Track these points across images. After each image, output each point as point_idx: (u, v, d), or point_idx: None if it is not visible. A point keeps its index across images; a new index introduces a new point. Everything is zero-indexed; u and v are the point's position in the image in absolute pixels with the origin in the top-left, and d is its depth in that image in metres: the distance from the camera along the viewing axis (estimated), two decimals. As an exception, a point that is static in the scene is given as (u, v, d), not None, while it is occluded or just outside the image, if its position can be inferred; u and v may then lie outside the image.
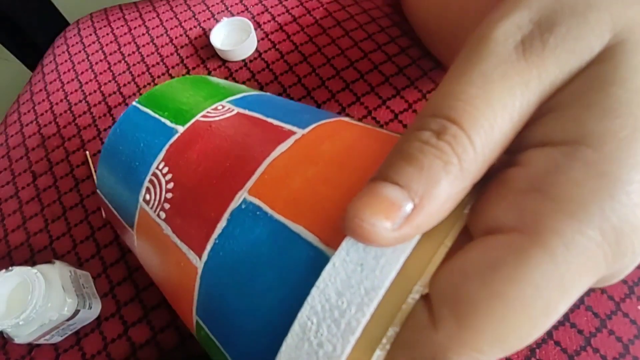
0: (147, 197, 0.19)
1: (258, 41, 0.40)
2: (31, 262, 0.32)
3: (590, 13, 0.11)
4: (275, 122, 0.18)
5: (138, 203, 0.19)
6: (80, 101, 0.40)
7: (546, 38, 0.11)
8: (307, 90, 0.37)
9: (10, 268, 0.26)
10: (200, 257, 0.15)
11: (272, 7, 0.43)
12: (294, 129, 0.17)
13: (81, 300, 0.27)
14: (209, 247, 0.15)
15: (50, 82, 0.42)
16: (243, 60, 0.40)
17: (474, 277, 0.10)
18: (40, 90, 0.42)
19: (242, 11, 0.43)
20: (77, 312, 0.27)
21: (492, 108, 0.10)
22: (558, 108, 0.11)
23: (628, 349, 0.24)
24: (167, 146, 0.19)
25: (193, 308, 0.16)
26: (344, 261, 0.11)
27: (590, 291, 0.26)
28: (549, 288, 0.09)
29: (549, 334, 0.25)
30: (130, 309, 0.29)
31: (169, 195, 0.18)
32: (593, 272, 0.10)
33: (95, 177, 0.35)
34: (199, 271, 0.15)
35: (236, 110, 0.20)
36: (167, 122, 0.20)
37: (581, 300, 0.26)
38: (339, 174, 0.14)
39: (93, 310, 0.29)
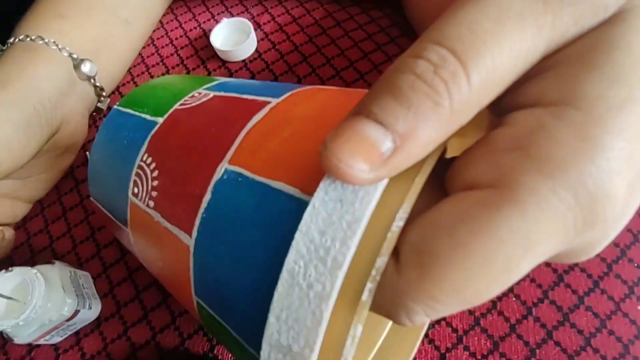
0: (135, 190, 0.19)
1: (258, 41, 0.40)
2: (31, 262, 0.32)
3: None
4: (250, 97, 0.18)
5: (128, 198, 0.19)
6: (80, 102, 0.40)
7: None
8: (307, 91, 0.37)
9: (10, 268, 0.26)
10: (190, 235, 0.15)
11: (272, 7, 0.43)
12: (269, 99, 0.17)
13: (81, 301, 0.27)
14: (197, 222, 0.15)
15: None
16: (243, 61, 0.40)
17: (441, 228, 0.10)
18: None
19: (242, 12, 0.43)
20: (77, 312, 0.27)
21: (500, 47, 0.10)
22: (557, 66, 0.10)
23: (628, 349, 0.24)
24: (149, 138, 0.19)
25: (192, 289, 0.16)
26: (323, 200, 0.11)
27: (591, 291, 0.26)
28: (514, 243, 0.09)
29: (549, 334, 0.25)
30: (130, 309, 0.29)
31: (155, 183, 0.18)
32: (561, 234, 0.09)
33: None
34: (191, 249, 0.15)
35: (212, 94, 0.20)
36: (147, 117, 0.21)
37: (581, 300, 0.26)
38: (315, 130, 0.14)
39: (93, 310, 0.29)
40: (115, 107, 0.23)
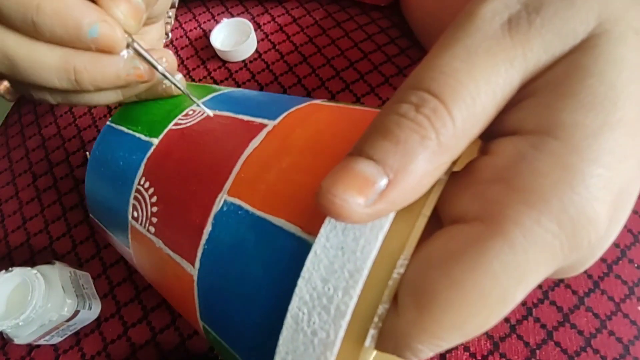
0: (135, 214, 0.19)
1: (258, 42, 0.40)
2: (31, 262, 0.32)
3: None
4: (246, 118, 0.18)
5: (128, 221, 0.19)
6: (80, 102, 0.40)
7: (533, 18, 0.11)
8: (307, 91, 0.37)
9: (10, 269, 0.26)
10: (193, 265, 0.15)
11: (272, 8, 0.43)
12: (265, 121, 0.17)
13: (81, 301, 0.27)
14: (199, 254, 0.15)
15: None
16: (243, 61, 0.40)
17: (435, 266, 0.10)
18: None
19: (242, 12, 0.43)
20: (76, 312, 0.27)
21: (475, 82, 0.10)
22: (535, 94, 0.11)
23: (628, 349, 0.24)
24: (145, 160, 0.19)
25: (197, 314, 0.16)
26: (324, 247, 0.11)
27: (591, 292, 0.26)
28: (507, 277, 0.09)
29: (549, 334, 0.25)
30: (130, 309, 0.29)
31: (155, 209, 0.18)
32: (550, 261, 0.10)
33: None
34: (195, 278, 0.15)
35: (206, 112, 0.20)
36: (142, 137, 0.20)
37: (581, 301, 0.26)
38: (313, 161, 0.14)
39: (93, 310, 0.29)
40: (108, 123, 0.23)
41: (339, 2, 0.43)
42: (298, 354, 0.11)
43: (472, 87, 0.10)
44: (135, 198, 0.19)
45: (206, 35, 0.42)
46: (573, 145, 0.10)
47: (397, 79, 0.36)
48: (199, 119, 0.19)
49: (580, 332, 0.25)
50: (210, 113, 0.19)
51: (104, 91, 0.20)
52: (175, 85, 0.20)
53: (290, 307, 0.11)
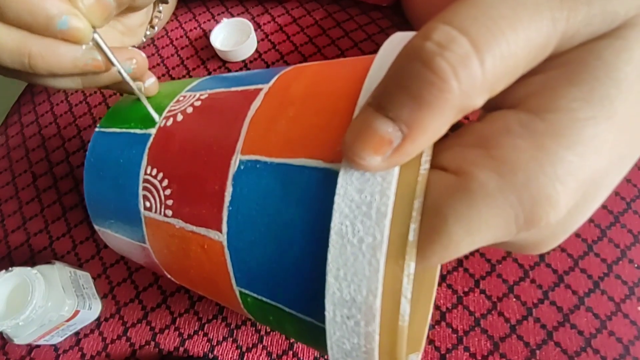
0: (147, 204, 0.19)
1: (258, 42, 0.40)
2: (31, 262, 0.32)
3: None
4: (240, 88, 0.18)
5: (140, 214, 0.19)
6: (80, 102, 0.40)
7: None
8: (307, 91, 0.37)
9: (10, 268, 0.26)
10: (220, 230, 0.16)
11: (272, 8, 0.43)
12: (259, 86, 0.17)
13: (81, 301, 0.27)
14: (224, 217, 0.15)
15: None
16: (243, 61, 0.40)
17: None
18: (41, 91, 0.42)
19: (242, 12, 0.43)
20: (77, 312, 0.27)
21: (516, 34, 0.10)
22: (546, 71, 0.11)
23: (628, 350, 0.24)
24: (146, 151, 0.19)
25: (232, 282, 0.16)
26: None
27: (591, 292, 0.26)
28: (457, 226, 0.10)
29: (549, 334, 0.25)
30: (130, 309, 0.29)
31: (168, 191, 0.18)
32: (501, 228, 0.10)
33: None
34: (224, 243, 0.16)
35: (197, 94, 0.20)
36: (137, 131, 0.20)
37: (581, 301, 0.26)
38: (317, 103, 0.15)
39: (93, 310, 0.29)
40: (97, 129, 0.22)
41: (339, 2, 0.43)
42: (349, 265, 0.11)
43: (512, 38, 0.09)
44: (145, 188, 0.19)
45: (206, 35, 0.42)
46: (555, 130, 0.10)
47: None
48: (192, 101, 0.19)
49: (580, 332, 0.25)
50: (156, 117, 0.20)
51: (62, 77, 0.20)
52: (130, 85, 0.20)
53: (332, 224, 0.12)
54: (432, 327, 0.26)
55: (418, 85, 0.10)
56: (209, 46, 0.40)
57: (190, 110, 0.19)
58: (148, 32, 0.37)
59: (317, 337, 0.14)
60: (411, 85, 0.10)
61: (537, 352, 0.25)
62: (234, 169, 0.15)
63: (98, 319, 0.29)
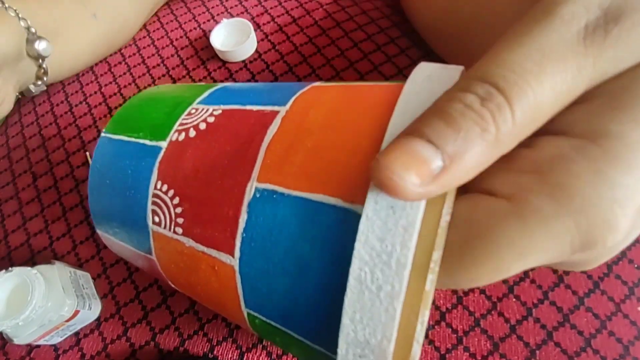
0: (157, 219, 0.18)
1: (258, 42, 0.40)
2: (31, 262, 0.32)
3: None
4: (255, 108, 0.18)
5: (149, 228, 0.19)
6: (80, 102, 0.40)
7: (610, 28, 0.11)
8: (307, 91, 0.37)
9: (10, 268, 0.26)
10: (233, 255, 0.16)
11: (271, 8, 0.43)
12: (275, 108, 0.17)
13: (81, 301, 0.27)
14: (238, 243, 0.15)
15: (52, 84, 0.42)
16: (243, 61, 0.40)
17: (454, 225, 0.11)
18: (42, 91, 0.42)
19: (242, 12, 0.43)
20: (76, 312, 0.27)
21: (542, 87, 0.10)
22: (589, 100, 0.11)
23: (628, 350, 0.24)
24: (157, 164, 0.19)
25: (241, 303, 0.16)
26: (375, 210, 0.12)
27: (591, 292, 0.26)
28: (508, 252, 0.10)
29: (549, 334, 0.25)
30: (130, 309, 0.29)
31: (179, 210, 0.17)
32: (556, 252, 0.11)
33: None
34: (236, 268, 0.16)
35: (211, 108, 0.19)
36: (147, 142, 0.20)
37: (581, 301, 0.26)
38: (338, 137, 0.14)
39: (93, 311, 0.29)
40: (103, 134, 0.22)
41: (339, 2, 0.43)
42: (366, 310, 0.12)
43: (539, 91, 0.10)
44: (155, 203, 0.18)
45: (206, 35, 0.42)
46: (611, 154, 0.10)
47: (396, 79, 0.36)
48: (205, 116, 0.19)
49: (580, 333, 0.25)
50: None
51: None
52: None
53: (351, 270, 0.12)
54: (432, 327, 0.26)
55: (462, 121, 0.11)
56: (209, 46, 0.40)
57: (203, 126, 0.19)
58: (34, 87, 0.36)
59: None
60: (457, 122, 0.11)
61: (537, 352, 0.25)
62: (249, 196, 0.15)
63: (98, 319, 0.29)
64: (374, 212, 0.12)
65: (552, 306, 0.26)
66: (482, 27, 0.27)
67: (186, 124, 0.19)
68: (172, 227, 0.18)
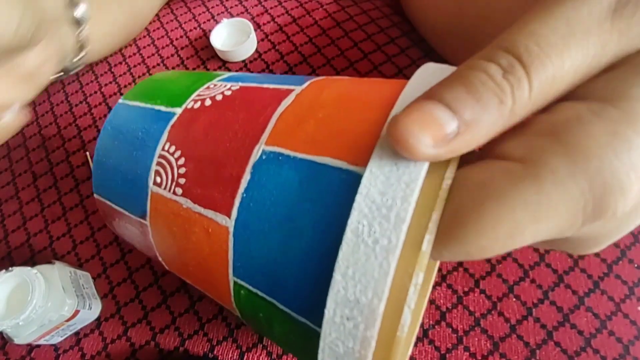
0: (158, 179, 0.18)
1: (258, 42, 0.40)
2: (31, 262, 0.32)
3: None
4: (272, 86, 0.18)
5: (148, 189, 0.19)
6: (80, 102, 0.40)
7: None
8: (307, 91, 0.37)
9: (10, 268, 0.26)
10: (229, 216, 0.16)
11: (271, 8, 0.43)
12: (292, 87, 0.18)
13: (81, 301, 0.27)
14: (237, 203, 0.15)
15: (51, 84, 0.42)
16: (243, 61, 0.40)
17: (467, 188, 0.11)
18: (41, 91, 0.42)
19: (242, 12, 0.43)
20: (77, 312, 0.27)
21: (562, 62, 0.11)
22: (611, 69, 0.11)
23: (628, 350, 0.24)
24: (168, 128, 0.19)
25: (229, 270, 0.16)
26: (379, 165, 0.12)
27: (591, 292, 0.26)
28: (523, 214, 0.10)
29: (549, 334, 0.25)
30: (130, 309, 0.29)
31: (182, 170, 0.18)
32: (569, 216, 0.10)
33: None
34: (231, 229, 0.15)
35: (229, 84, 0.20)
36: (162, 108, 0.20)
37: (581, 301, 0.26)
38: (349, 111, 0.15)
39: (93, 310, 0.29)
40: (120, 101, 0.22)
41: (339, 2, 0.43)
42: (359, 264, 0.11)
43: (559, 65, 0.11)
44: (159, 164, 0.19)
45: (206, 35, 0.42)
46: (630, 116, 0.10)
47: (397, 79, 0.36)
48: (222, 89, 0.19)
49: (580, 332, 0.25)
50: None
51: None
52: None
53: (349, 222, 0.12)
54: (432, 327, 0.26)
55: (483, 90, 0.11)
56: (209, 46, 0.40)
57: (220, 97, 0.19)
58: (74, 60, 0.34)
59: (306, 342, 0.14)
60: (478, 90, 0.11)
61: (537, 352, 0.25)
62: (255, 157, 0.15)
63: (98, 318, 0.29)
64: (378, 167, 0.12)
65: (552, 306, 0.26)
66: (489, 27, 0.27)
67: (203, 95, 0.20)
68: (173, 187, 0.18)
